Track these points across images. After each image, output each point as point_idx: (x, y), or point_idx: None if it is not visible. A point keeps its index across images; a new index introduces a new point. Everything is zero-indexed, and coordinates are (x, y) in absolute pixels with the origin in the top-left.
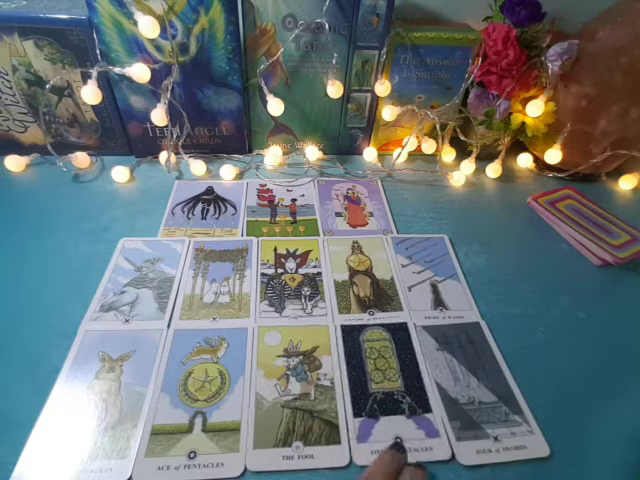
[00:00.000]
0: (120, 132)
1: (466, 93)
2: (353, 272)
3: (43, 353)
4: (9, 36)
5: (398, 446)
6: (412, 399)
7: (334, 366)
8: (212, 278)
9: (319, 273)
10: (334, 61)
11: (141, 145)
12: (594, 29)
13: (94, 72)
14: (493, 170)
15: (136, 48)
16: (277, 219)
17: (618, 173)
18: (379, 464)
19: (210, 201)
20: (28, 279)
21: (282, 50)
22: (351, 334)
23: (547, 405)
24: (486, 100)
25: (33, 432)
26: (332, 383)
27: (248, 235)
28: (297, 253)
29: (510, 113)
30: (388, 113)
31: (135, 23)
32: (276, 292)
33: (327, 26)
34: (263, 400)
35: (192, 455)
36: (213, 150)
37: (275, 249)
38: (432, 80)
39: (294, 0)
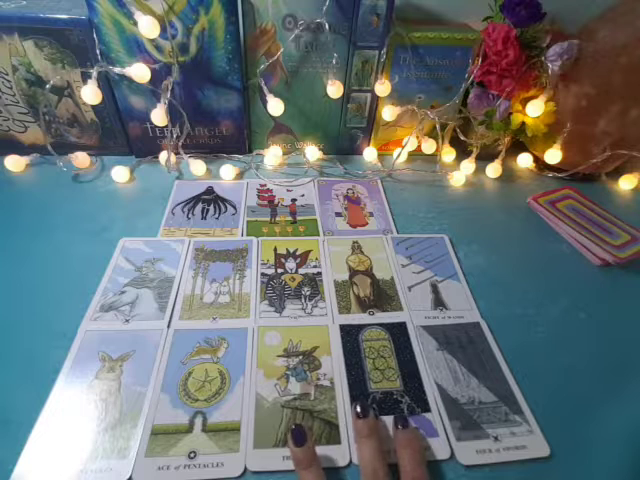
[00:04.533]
0: (120, 132)
1: (466, 93)
2: (353, 272)
3: (43, 353)
4: (9, 36)
5: (361, 413)
6: (411, 399)
7: (334, 366)
8: (212, 278)
9: (319, 273)
10: (334, 61)
11: (141, 145)
12: (594, 29)
13: (94, 72)
14: (493, 170)
15: (136, 48)
16: (277, 219)
17: (618, 173)
18: (363, 460)
19: (210, 201)
20: (28, 279)
21: (282, 50)
22: (350, 334)
23: (547, 405)
24: (486, 100)
25: (33, 432)
26: (332, 383)
27: (248, 235)
28: (297, 253)
29: (510, 113)
30: (388, 113)
31: (135, 23)
32: (276, 292)
33: (327, 26)
34: (263, 400)
35: (192, 455)
36: (213, 150)
37: (275, 249)
38: (432, 80)
39: (294, 0)
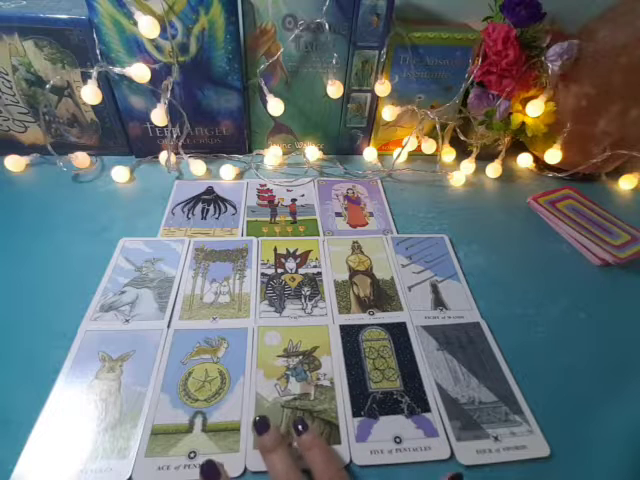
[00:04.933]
0: (120, 132)
1: (466, 93)
2: (353, 272)
3: (43, 353)
4: (9, 36)
5: (259, 429)
6: (411, 399)
7: (334, 366)
8: (212, 278)
9: (319, 273)
10: (334, 61)
11: (141, 145)
12: (594, 29)
13: (94, 72)
14: (493, 170)
15: (136, 48)
16: (277, 219)
17: (618, 173)
18: (276, 475)
19: (210, 201)
20: (28, 279)
21: (282, 50)
22: (350, 334)
23: (547, 405)
24: (486, 100)
25: (33, 432)
26: (332, 383)
27: (248, 235)
28: (297, 253)
29: (510, 113)
30: (388, 113)
31: (135, 23)
32: (276, 292)
33: (327, 26)
34: (263, 400)
35: (192, 455)
36: (213, 150)
37: (275, 249)
38: (432, 80)
39: (294, 0)
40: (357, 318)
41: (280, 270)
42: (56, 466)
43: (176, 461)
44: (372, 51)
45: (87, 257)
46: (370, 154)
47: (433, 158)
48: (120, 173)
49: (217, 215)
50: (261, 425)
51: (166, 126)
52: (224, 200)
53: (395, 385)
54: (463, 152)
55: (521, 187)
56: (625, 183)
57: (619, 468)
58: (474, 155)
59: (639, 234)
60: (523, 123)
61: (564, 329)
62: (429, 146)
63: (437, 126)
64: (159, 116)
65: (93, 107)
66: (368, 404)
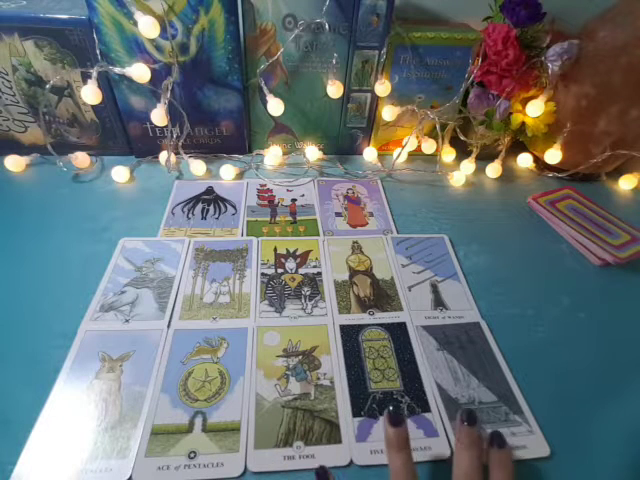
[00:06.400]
0: (120, 132)
1: (466, 93)
2: (353, 272)
3: (43, 353)
4: (9, 36)
5: (393, 420)
6: (411, 399)
7: (333, 366)
8: (212, 278)
9: (319, 273)
10: (334, 61)
11: (141, 145)
12: (594, 29)
13: (94, 72)
14: (493, 170)
15: (136, 48)
16: (277, 219)
17: (618, 173)
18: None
19: (210, 201)
20: (28, 279)
21: (282, 50)
22: (350, 334)
23: (547, 405)
24: (486, 100)
25: (33, 432)
26: (332, 383)
27: (248, 235)
28: (297, 253)
29: (510, 113)
30: (388, 113)
31: (135, 23)
32: (276, 292)
33: (327, 26)
34: (263, 400)
35: (192, 455)
36: (213, 150)
37: (275, 249)
38: (432, 80)
39: (294, 0)
40: (357, 318)
41: (280, 270)
42: (56, 466)
43: (176, 461)
44: (372, 51)
45: (87, 257)
46: (370, 154)
47: (433, 158)
48: (120, 173)
49: (217, 215)
50: (395, 417)
51: (166, 126)
52: (224, 200)
53: (395, 385)
54: (463, 152)
55: (521, 187)
56: (625, 183)
57: (619, 468)
58: (474, 155)
59: (639, 234)
60: (523, 123)
61: (564, 329)
62: (429, 146)
63: (437, 126)
64: (159, 116)
65: (93, 107)
66: (368, 404)
